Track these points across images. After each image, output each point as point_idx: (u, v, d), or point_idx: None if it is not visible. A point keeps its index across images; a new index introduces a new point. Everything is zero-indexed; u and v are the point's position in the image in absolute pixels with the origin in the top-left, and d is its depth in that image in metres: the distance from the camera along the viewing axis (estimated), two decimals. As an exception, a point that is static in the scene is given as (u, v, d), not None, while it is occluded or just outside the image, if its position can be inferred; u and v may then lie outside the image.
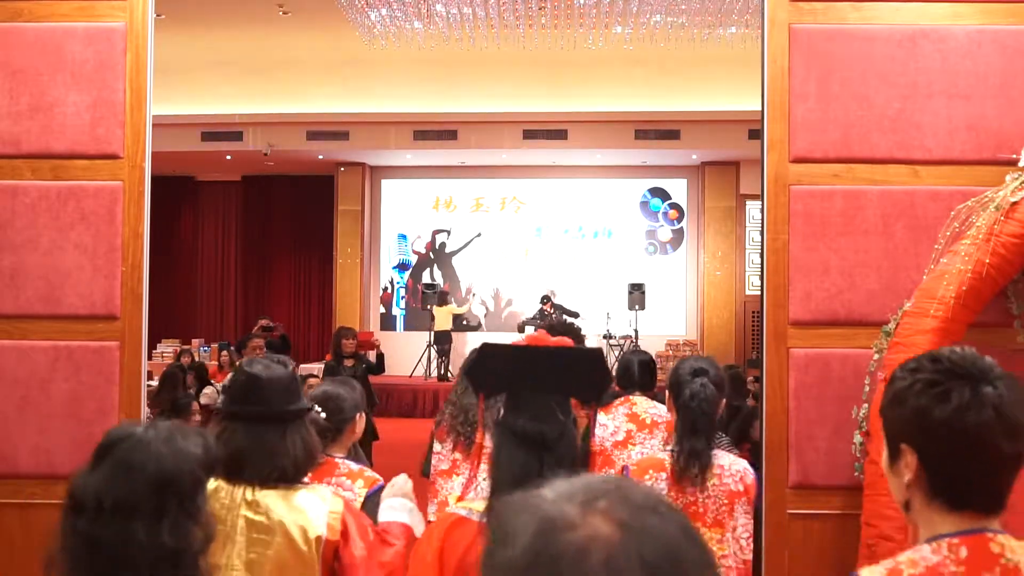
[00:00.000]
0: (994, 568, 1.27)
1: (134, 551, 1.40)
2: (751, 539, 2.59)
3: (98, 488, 1.44)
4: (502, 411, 1.79)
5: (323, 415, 2.81)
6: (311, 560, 2.04)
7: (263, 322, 8.61)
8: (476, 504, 1.77)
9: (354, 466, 2.84)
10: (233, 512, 2.09)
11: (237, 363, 6.02)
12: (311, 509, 2.08)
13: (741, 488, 2.60)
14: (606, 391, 1.89)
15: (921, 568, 1.28)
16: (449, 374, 13.84)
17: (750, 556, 2.58)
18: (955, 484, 1.31)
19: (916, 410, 1.31)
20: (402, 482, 2.48)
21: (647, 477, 2.59)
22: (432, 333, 13.90)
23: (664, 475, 2.59)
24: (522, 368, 1.77)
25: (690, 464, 2.55)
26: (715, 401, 2.61)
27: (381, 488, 2.72)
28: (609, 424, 3.55)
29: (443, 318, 13.93)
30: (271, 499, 2.10)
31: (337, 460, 2.83)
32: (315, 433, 2.30)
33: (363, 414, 2.99)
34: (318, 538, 2.04)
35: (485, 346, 1.84)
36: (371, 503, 2.69)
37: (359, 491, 2.75)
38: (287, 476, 2.12)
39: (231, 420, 2.17)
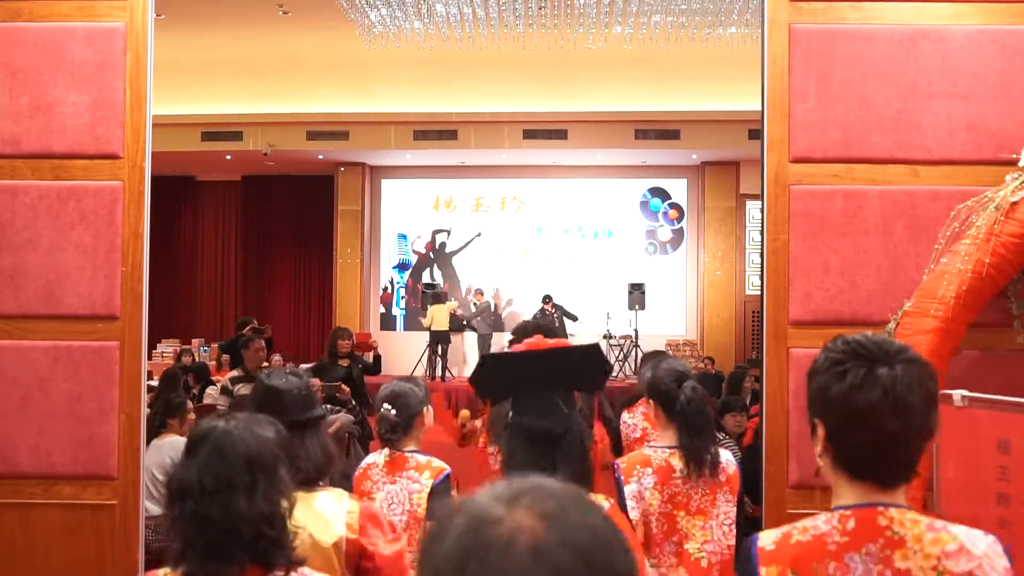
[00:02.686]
0: (877, 539, 1.36)
1: (238, 520, 1.65)
2: (734, 525, 2.69)
3: (200, 473, 1.68)
4: (511, 413, 1.90)
5: (392, 412, 2.96)
6: (331, 557, 2.15)
7: (253, 324, 8.63)
8: None
9: (422, 458, 2.98)
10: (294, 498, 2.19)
11: (247, 371, 6.02)
12: (329, 511, 2.21)
13: (723, 479, 2.71)
14: (606, 380, 2.03)
15: (809, 535, 1.40)
16: (448, 374, 13.84)
17: (733, 541, 2.67)
18: (852, 456, 1.41)
19: (820, 386, 1.42)
20: None
21: (635, 472, 2.68)
22: (431, 333, 13.88)
23: (650, 470, 2.68)
24: (523, 372, 1.89)
25: (701, 463, 2.66)
26: (707, 399, 2.71)
27: (448, 477, 2.92)
28: (635, 423, 3.94)
29: (441, 317, 13.91)
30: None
31: (406, 454, 2.98)
32: (331, 438, 2.47)
33: (430, 408, 3.12)
34: (339, 538, 2.17)
35: (485, 357, 1.98)
36: (438, 492, 2.87)
37: (426, 482, 2.91)
38: (310, 479, 2.25)
39: None
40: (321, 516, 2.20)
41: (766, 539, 1.43)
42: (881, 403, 1.35)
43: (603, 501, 2.03)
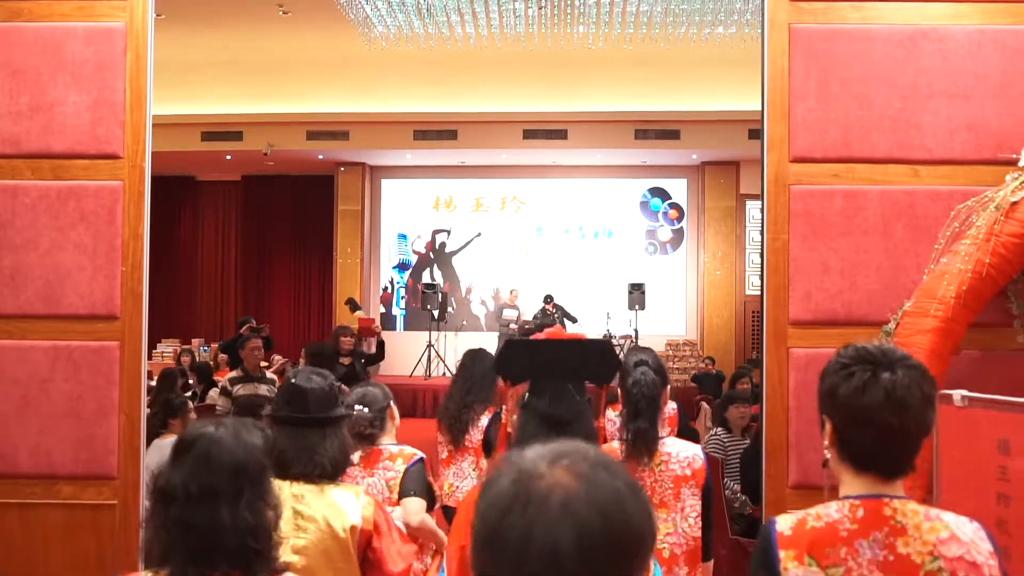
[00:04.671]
0: (883, 527, 1.53)
1: (221, 529, 1.65)
2: (699, 517, 2.76)
3: (185, 479, 1.68)
4: (527, 396, 2.06)
5: (365, 410, 3.11)
6: (347, 545, 2.29)
7: (251, 323, 8.66)
8: None
9: (395, 448, 3.15)
10: (282, 504, 2.25)
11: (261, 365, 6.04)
12: (345, 503, 2.34)
13: (688, 473, 2.76)
14: (614, 375, 2.19)
15: (823, 522, 1.56)
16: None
17: (699, 533, 2.75)
18: (856, 450, 1.58)
19: (829, 387, 1.60)
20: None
21: None
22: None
23: None
24: (543, 358, 2.05)
25: (637, 445, 2.71)
26: (655, 386, 2.74)
27: (421, 460, 3.12)
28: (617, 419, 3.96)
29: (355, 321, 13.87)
30: (310, 494, 2.35)
31: (381, 447, 3.14)
32: (350, 435, 2.59)
33: (392, 404, 3.30)
34: (353, 527, 2.30)
35: (510, 341, 2.14)
36: (410, 473, 3.07)
37: (399, 467, 3.08)
38: (325, 473, 2.38)
39: (278, 424, 2.43)
40: (337, 507, 2.33)
41: (783, 524, 1.58)
42: (883, 403, 1.52)
43: None
